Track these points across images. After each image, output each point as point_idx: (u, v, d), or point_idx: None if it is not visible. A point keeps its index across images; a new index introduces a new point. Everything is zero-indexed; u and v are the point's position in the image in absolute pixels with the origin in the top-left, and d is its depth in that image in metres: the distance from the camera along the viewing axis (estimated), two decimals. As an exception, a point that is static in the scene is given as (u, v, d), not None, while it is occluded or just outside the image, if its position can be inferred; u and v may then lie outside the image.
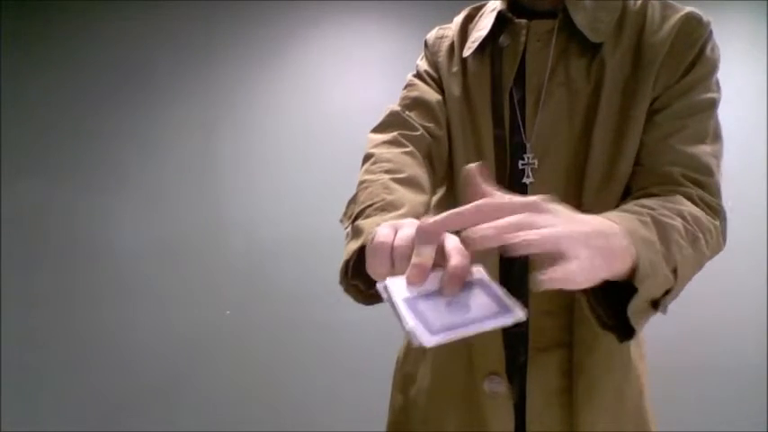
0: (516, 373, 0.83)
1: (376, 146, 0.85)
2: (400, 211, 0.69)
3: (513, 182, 0.81)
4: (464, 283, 0.54)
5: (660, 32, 0.79)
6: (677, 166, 0.75)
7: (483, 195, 0.54)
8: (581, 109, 0.79)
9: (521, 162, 0.81)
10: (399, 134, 0.86)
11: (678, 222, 0.66)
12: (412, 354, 0.93)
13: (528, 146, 0.81)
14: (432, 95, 0.89)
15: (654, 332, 2.82)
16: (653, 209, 0.66)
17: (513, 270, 0.81)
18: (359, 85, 2.76)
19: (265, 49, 2.82)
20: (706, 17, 0.83)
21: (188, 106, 2.80)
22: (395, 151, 0.82)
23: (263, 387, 2.64)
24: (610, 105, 0.78)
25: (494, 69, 0.85)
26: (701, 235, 0.69)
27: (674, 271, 0.65)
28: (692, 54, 0.79)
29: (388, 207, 0.71)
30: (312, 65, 2.80)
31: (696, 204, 0.73)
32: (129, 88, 2.81)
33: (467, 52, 0.87)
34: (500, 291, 0.55)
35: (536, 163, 0.80)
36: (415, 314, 0.52)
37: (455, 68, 0.89)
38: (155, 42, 2.83)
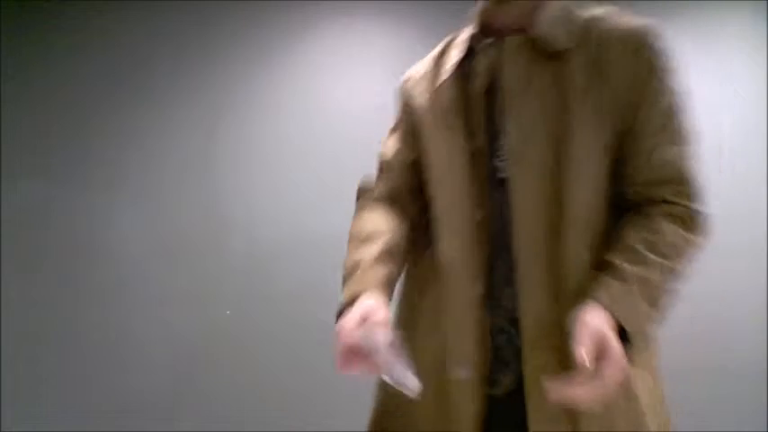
0: (510, 371, 0.88)
1: (362, 206, 1.03)
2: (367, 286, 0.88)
3: (491, 180, 0.90)
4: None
5: (619, 46, 0.87)
6: (661, 184, 0.85)
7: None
8: (553, 110, 0.86)
9: (497, 161, 0.90)
10: (382, 193, 1.02)
11: (655, 267, 0.79)
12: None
13: (506, 148, 0.89)
14: (402, 149, 1.03)
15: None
16: (639, 263, 0.79)
17: (498, 273, 0.89)
18: (359, 85, 2.76)
19: (265, 49, 2.82)
20: (659, 27, 0.90)
21: (188, 106, 2.80)
22: (374, 216, 0.99)
23: (263, 387, 2.64)
24: (578, 108, 0.85)
25: (472, 83, 0.92)
26: (676, 263, 0.81)
27: (655, 308, 0.79)
28: (651, 72, 0.86)
29: (356, 271, 0.91)
30: (312, 65, 2.80)
31: (676, 220, 0.84)
32: (129, 88, 2.81)
33: (446, 74, 0.95)
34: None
35: (513, 162, 0.88)
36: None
37: (431, 93, 0.97)
38: (155, 42, 2.83)
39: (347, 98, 2.76)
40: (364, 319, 0.81)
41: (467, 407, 0.87)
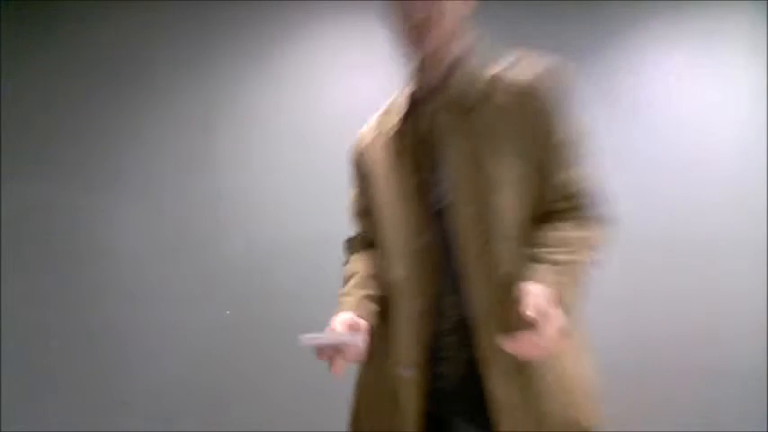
0: (456, 363, 1.10)
1: (346, 255, 1.32)
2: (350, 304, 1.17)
3: (433, 211, 1.12)
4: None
5: (520, 96, 1.10)
6: (565, 200, 1.09)
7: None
8: (475, 151, 1.09)
9: (437, 194, 1.12)
10: (357, 239, 1.32)
11: (567, 255, 1.04)
12: (363, 362, 1.20)
13: (443, 182, 1.11)
14: (360, 201, 1.28)
15: (654, 333, 2.82)
16: (554, 253, 1.04)
17: (445, 286, 1.11)
18: (359, 85, 2.76)
19: (265, 48, 2.82)
20: (560, 66, 1.14)
21: (188, 106, 2.80)
22: (359, 258, 1.27)
23: (263, 387, 2.64)
24: (494, 148, 1.09)
25: (413, 134, 1.16)
26: (581, 255, 1.06)
27: (573, 284, 1.04)
28: (544, 111, 1.09)
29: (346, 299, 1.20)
30: (312, 65, 2.80)
31: (580, 222, 1.09)
32: (129, 88, 2.81)
33: (392, 131, 1.19)
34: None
35: (450, 193, 1.10)
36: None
37: (379, 145, 1.21)
38: (155, 42, 2.83)
39: (347, 98, 2.76)
40: (333, 328, 1.08)
41: (412, 402, 1.09)
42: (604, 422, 1.09)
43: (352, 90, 2.77)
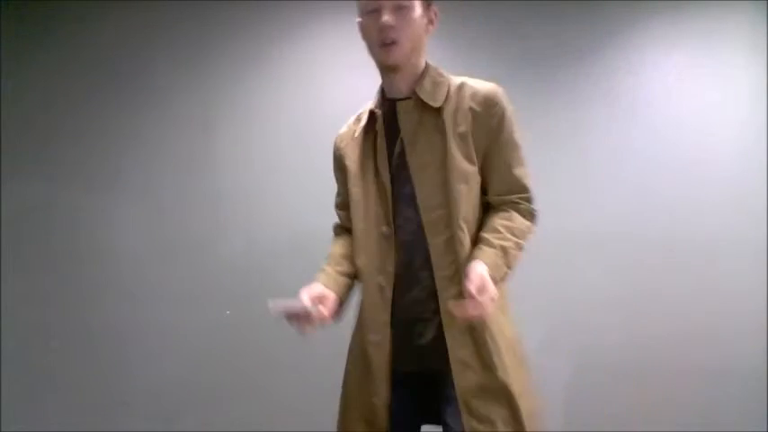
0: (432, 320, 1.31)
1: (333, 239, 1.56)
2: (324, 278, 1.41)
3: (401, 196, 1.33)
4: None
5: (479, 103, 1.32)
6: (512, 193, 1.32)
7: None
8: (437, 148, 1.30)
9: (405, 182, 1.33)
10: (338, 226, 1.57)
11: (511, 242, 1.28)
12: (353, 331, 1.43)
13: (411, 175, 1.33)
14: (342, 192, 1.52)
15: (655, 333, 2.82)
16: (502, 238, 1.27)
17: (418, 262, 1.32)
18: (358, 85, 2.76)
19: (265, 48, 2.82)
20: (502, 88, 1.35)
21: (188, 106, 2.80)
22: (337, 241, 1.52)
23: (262, 387, 2.64)
24: (453, 145, 1.29)
25: (380, 134, 1.38)
26: (522, 241, 1.30)
27: (510, 266, 1.28)
28: (499, 117, 1.31)
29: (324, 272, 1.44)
30: (311, 65, 2.80)
31: (522, 214, 1.32)
32: (128, 88, 2.81)
33: (359, 131, 1.42)
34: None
35: (416, 182, 1.31)
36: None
37: (353, 144, 1.44)
38: (154, 42, 2.83)
39: (347, 98, 2.75)
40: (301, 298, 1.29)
41: (381, 362, 1.32)
42: (532, 384, 1.33)
43: (352, 90, 2.76)
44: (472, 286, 1.13)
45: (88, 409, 2.65)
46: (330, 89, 2.77)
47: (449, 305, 1.22)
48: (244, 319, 2.67)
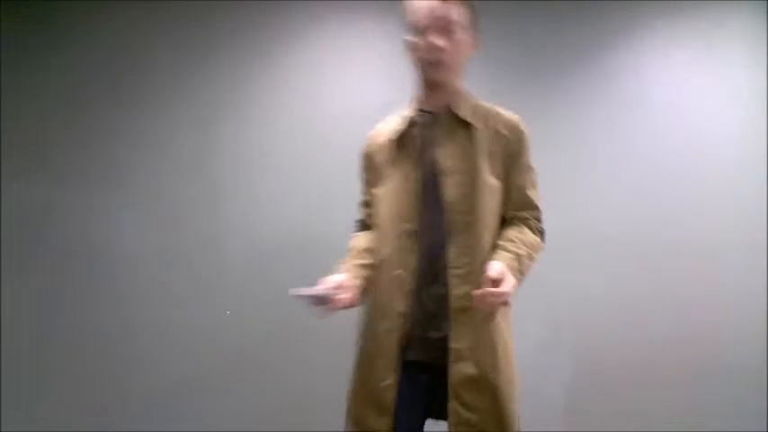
0: (444, 319, 1.41)
1: (354, 233, 1.62)
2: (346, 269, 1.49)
3: (429, 199, 1.44)
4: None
5: (505, 126, 1.47)
6: (526, 209, 1.48)
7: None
8: (468, 159, 1.43)
9: (434, 186, 1.44)
10: (361, 222, 1.63)
11: (524, 251, 1.41)
12: (360, 326, 1.52)
13: (442, 181, 1.43)
14: (367, 191, 1.59)
15: (655, 333, 2.81)
16: (516, 247, 1.40)
17: (439, 263, 1.41)
18: (359, 85, 2.77)
19: (265, 48, 2.82)
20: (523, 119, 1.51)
21: (188, 106, 2.80)
22: (359, 236, 1.59)
23: (262, 387, 2.64)
24: (481, 156, 1.43)
25: (413, 141, 1.49)
26: (534, 253, 1.45)
27: (522, 273, 1.40)
28: (522, 144, 1.48)
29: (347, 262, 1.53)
30: (312, 64, 2.80)
31: (532, 230, 1.48)
32: (128, 88, 2.81)
33: (394, 136, 1.50)
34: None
35: (446, 188, 1.42)
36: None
37: (388, 146, 1.51)
38: (154, 42, 2.83)
39: (347, 98, 2.76)
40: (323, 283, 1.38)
41: (392, 349, 1.40)
42: (520, 396, 1.42)
43: (353, 90, 2.77)
44: (493, 273, 1.24)
45: (88, 409, 2.65)
46: (331, 90, 2.78)
47: (473, 293, 1.28)
48: (244, 319, 2.67)
